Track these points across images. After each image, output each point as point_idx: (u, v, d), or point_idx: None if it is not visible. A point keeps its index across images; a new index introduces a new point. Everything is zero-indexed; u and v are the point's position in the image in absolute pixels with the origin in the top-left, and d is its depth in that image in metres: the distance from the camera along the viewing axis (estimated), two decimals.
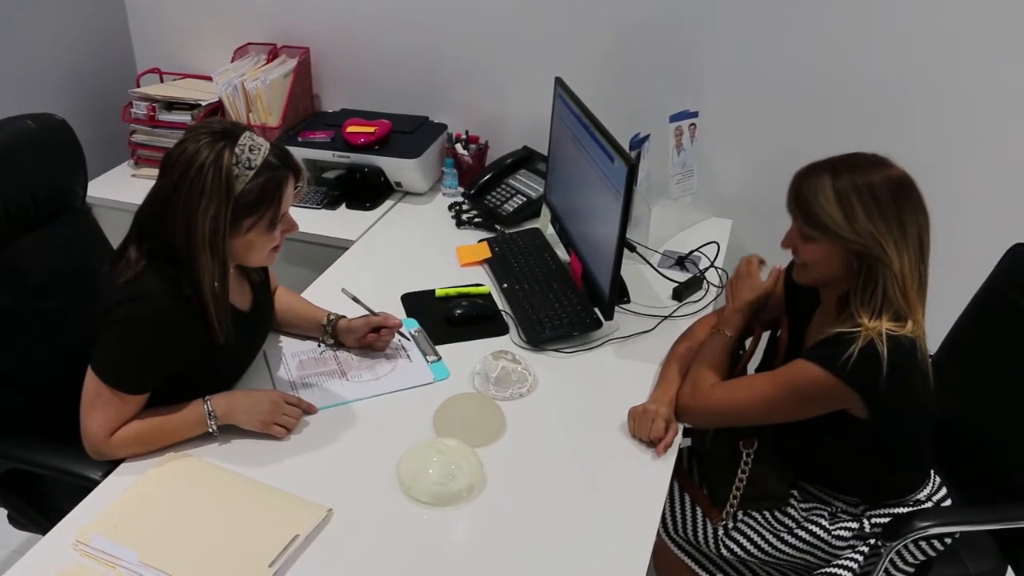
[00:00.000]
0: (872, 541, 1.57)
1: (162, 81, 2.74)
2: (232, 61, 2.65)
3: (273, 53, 2.63)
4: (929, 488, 1.62)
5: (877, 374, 1.36)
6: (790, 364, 1.46)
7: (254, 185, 1.39)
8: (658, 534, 1.37)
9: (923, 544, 1.61)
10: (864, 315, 1.39)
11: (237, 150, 1.38)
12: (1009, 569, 1.71)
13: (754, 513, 1.65)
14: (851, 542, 1.58)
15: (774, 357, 1.69)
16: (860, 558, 1.57)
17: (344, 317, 1.78)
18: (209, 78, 2.64)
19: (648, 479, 1.47)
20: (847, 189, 1.38)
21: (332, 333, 1.77)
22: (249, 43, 2.68)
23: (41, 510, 1.64)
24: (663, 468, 1.49)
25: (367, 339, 1.75)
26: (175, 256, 1.41)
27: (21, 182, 1.65)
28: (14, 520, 1.70)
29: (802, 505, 1.63)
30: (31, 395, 1.62)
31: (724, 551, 1.64)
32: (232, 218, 1.39)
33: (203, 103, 2.50)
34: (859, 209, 1.38)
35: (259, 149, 1.40)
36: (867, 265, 1.40)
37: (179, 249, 1.40)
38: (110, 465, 1.45)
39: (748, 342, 1.74)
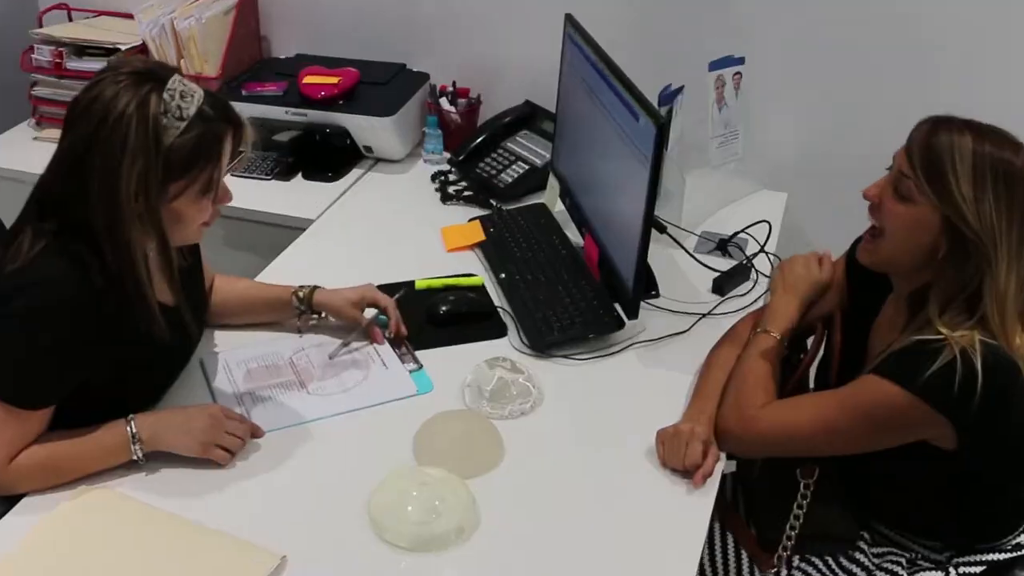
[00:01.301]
0: None
1: (71, 20, 2.74)
2: None
3: None
4: None
5: (971, 394, 1.36)
6: (859, 381, 1.46)
7: (186, 140, 1.38)
8: None
9: None
10: (948, 319, 1.39)
11: (166, 96, 1.37)
12: None
13: (814, 559, 1.65)
14: None
15: (827, 364, 1.69)
16: None
17: (319, 287, 1.81)
18: (130, 16, 2.63)
19: (682, 518, 1.47)
20: (988, 162, 1.38)
21: (309, 306, 1.80)
22: None
23: None
24: (701, 504, 1.50)
25: (372, 332, 1.81)
26: (88, 234, 1.40)
27: None
28: None
29: (873, 550, 1.64)
30: None
31: None
32: (162, 179, 1.38)
33: (122, 47, 2.50)
34: (990, 191, 1.37)
35: (191, 96, 1.40)
36: (966, 260, 1.39)
37: (96, 223, 1.38)
38: (3, 503, 1.45)
39: (809, 342, 1.75)
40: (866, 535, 1.65)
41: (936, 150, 1.41)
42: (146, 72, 1.39)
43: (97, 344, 1.43)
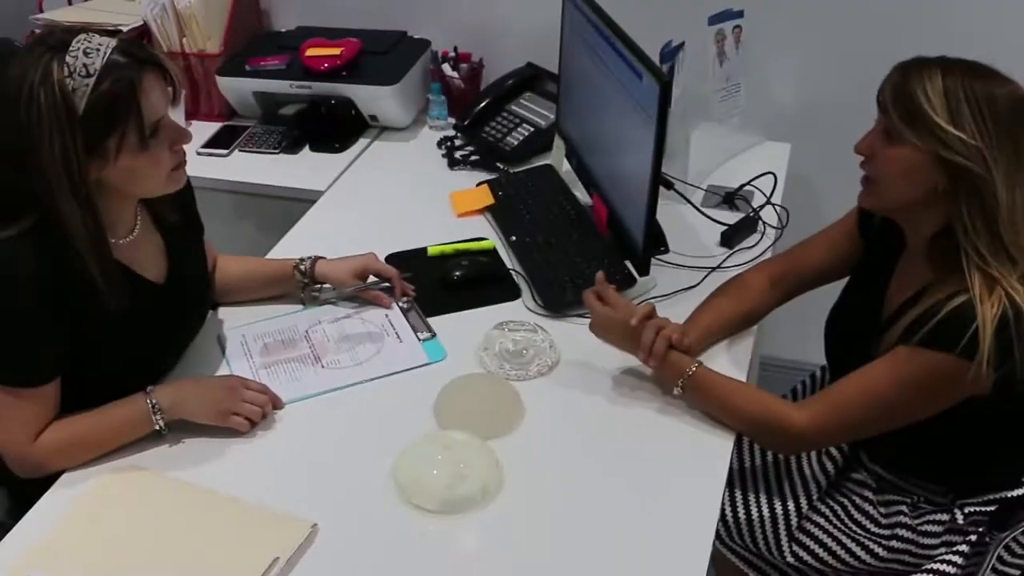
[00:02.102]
0: (972, 537, 1.58)
1: (71, 3, 2.72)
2: None
3: None
4: None
5: (1009, 344, 1.35)
6: (902, 355, 1.42)
7: (99, 95, 1.34)
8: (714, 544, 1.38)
9: None
10: (972, 257, 1.38)
11: (68, 58, 1.34)
12: None
13: (824, 510, 1.67)
14: (944, 538, 1.59)
15: (838, 316, 1.70)
16: (959, 559, 1.58)
17: (322, 257, 1.81)
18: None
19: (701, 470, 1.48)
20: (958, 90, 1.37)
21: (311, 278, 1.81)
22: None
23: None
24: (719, 455, 1.51)
25: (370, 295, 1.83)
26: (38, 210, 1.39)
27: None
28: None
29: (879, 498, 1.65)
30: None
31: (790, 557, 1.66)
32: (89, 144, 1.36)
33: (124, 28, 2.49)
34: (967, 114, 1.36)
35: (97, 51, 1.35)
36: (965, 189, 1.38)
37: (39, 199, 1.38)
38: (7, 496, 1.50)
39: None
40: (872, 483, 1.66)
41: (907, 89, 1.40)
42: (48, 43, 1.36)
43: (67, 317, 1.43)
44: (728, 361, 1.69)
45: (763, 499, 1.72)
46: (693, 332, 1.65)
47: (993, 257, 1.37)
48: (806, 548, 1.65)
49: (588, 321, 1.71)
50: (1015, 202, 1.37)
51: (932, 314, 1.38)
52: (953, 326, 1.36)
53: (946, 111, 1.37)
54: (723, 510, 1.71)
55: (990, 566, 1.59)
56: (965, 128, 1.37)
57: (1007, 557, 1.63)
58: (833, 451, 1.70)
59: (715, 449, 1.52)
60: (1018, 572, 1.65)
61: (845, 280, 1.76)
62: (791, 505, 1.69)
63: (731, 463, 1.60)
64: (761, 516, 1.70)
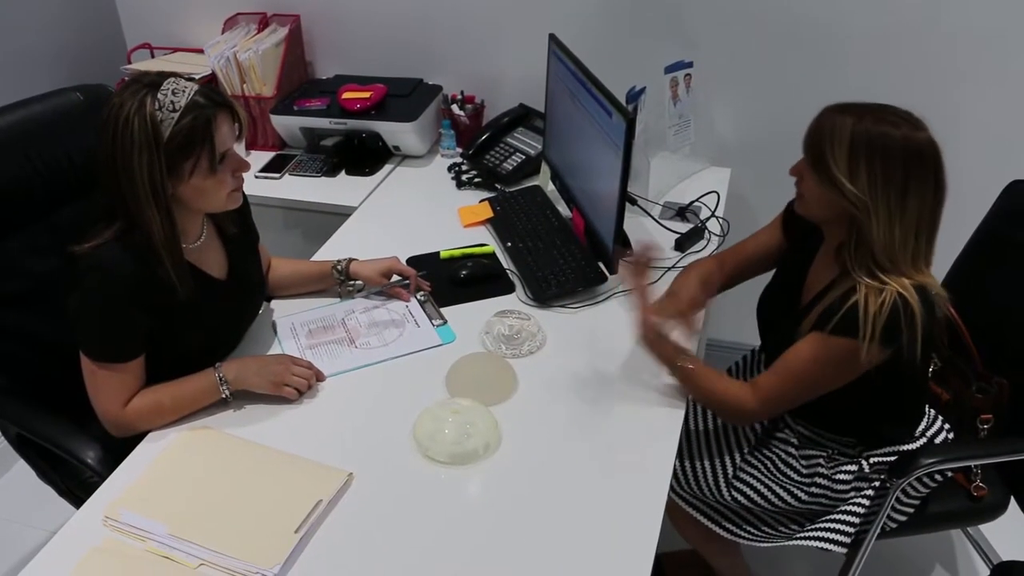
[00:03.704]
0: (876, 483, 1.59)
1: (153, 56, 2.71)
2: (222, 32, 2.62)
3: (263, 22, 2.59)
4: (925, 423, 1.63)
5: (898, 326, 1.35)
6: (816, 341, 1.42)
7: (181, 127, 1.36)
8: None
9: (925, 479, 1.63)
10: (858, 270, 1.38)
11: (160, 95, 1.35)
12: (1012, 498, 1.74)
13: (755, 462, 1.67)
14: (854, 484, 1.60)
15: (769, 295, 1.69)
16: (866, 501, 1.59)
17: (355, 259, 1.81)
18: (200, 51, 2.61)
19: (659, 427, 1.48)
20: (863, 141, 1.33)
21: (346, 275, 1.80)
22: (239, 13, 2.64)
23: (66, 475, 1.66)
24: (674, 415, 1.51)
25: (394, 291, 1.81)
26: (127, 218, 1.40)
27: (67, 152, 1.68)
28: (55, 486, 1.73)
29: (800, 452, 1.65)
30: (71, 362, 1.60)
31: (729, 499, 1.67)
32: (169, 165, 1.37)
33: (196, 77, 2.47)
34: (863, 169, 1.34)
35: (183, 92, 1.37)
36: (853, 224, 1.38)
37: (129, 208, 1.38)
38: (102, 449, 1.50)
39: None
40: (794, 440, 1.66)
41: (819, 134, 1.38)
42: (148, 83, 1.37)
43: (151, 299, 1.43)
44: (679, 340, 1.67)
45: (705, 455, 1.72)
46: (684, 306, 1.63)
47: (873, 272, 1.38)
48: (742, 493, 1.65)
49: (567, 311, 1.70)
50: (894, 239, 1.36)
51: (835, 309, 1.39)
52: (848, 318, 1.37)
53: (845, 165, 1.35)
54: (675, 465, 1.71)
55: (890, 506, 1.60)
56: (858, 183, 1.35)
57: (903, 499, 1.64)
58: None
59: (670, 416, 1.52)
60: (911, 510, 1.65)
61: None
62: (727, 459, 1.69)
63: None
64: (704, 468, 1.70)
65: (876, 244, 1.36)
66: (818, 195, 1.42)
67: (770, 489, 1.64)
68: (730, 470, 1.67)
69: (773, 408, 1.53)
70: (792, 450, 1.66)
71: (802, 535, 1.62)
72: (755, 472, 1.67)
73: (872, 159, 1.34)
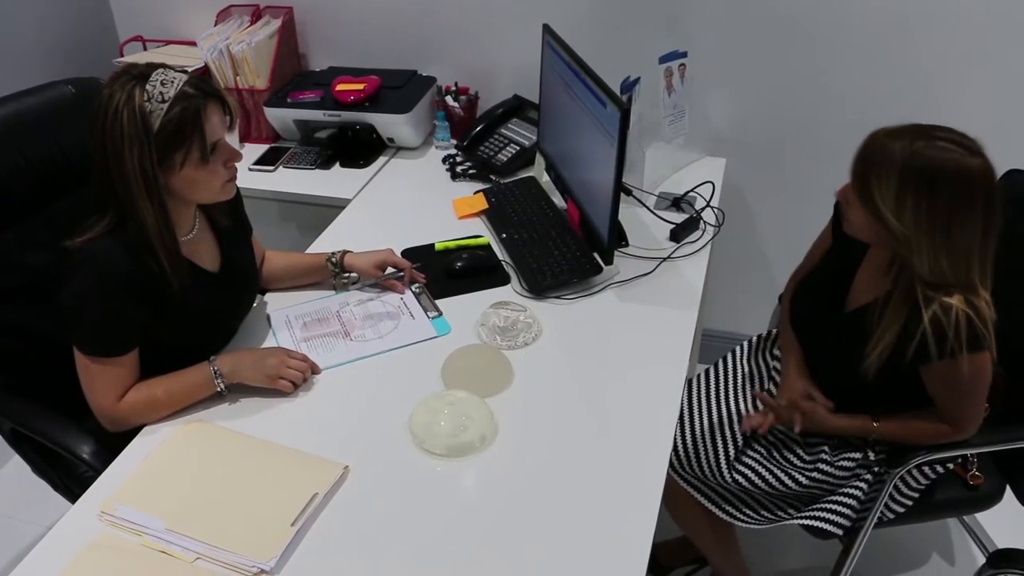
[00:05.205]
0: (876, 469, 1.59)
1: (145, 49, 2.69)
2: (215, 25, 2.61)
3: (256, 14, 2.58)
4: None
5: (985, 336, 1.37)
6: (946, 368, 1.41)
7: (171, 117, 1.35)
8: (668, 473, 1.38)
9: (926, 469, 1.63)
10: (923, 289, 1.38)
11: (148, 86, 1.35)
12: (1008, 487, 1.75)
13: (758, 446, 1.67)
14: (855, 471, 1.60)
15: (812, 286, 1.69)
16: (864, 486, 1.59)
17: (349, 251, 1.80)
18: (193, 43, 2.60)
19: (656, 417, 1.48)
20: (913, 175, 1.31)
21: (341, 268, 1.79)
22: (231, 5, 2.62)
23: (61, 470, 1.66)
24: (670, 405, 1.51)
25: (388, 283, 1.80)
26: (119, 210, 1.39)
27: (60, 145, 1.67)
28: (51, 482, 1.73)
29: (805, 439, 1.65)
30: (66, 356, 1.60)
31: (730, 481, 1.66)
32: (160, 156, 1.37)
33: (189, 69, 2.46)
34: (910, 204, 1.32)
35: (172, 82, 1.37)
36: (899, 251, 1.38)
37: (121, 200, 1.38)
38: (97, 444, 1.49)
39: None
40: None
41: (866, 160, 1.36)
42: (137, 75, 1.36)
43: (145, 293, 1.42)
44: (675, 330, 1.68)
45: (708, 435, 1.71)
46: (801, 383, 1.65)
47: (928, 294, 1.37)
48: (743, 475, 1.65)
49: (562, 302, 1.70)
50: (942, 268, 1.36)
51: (934, 332, 1.37)
52: (944, 335, 1.37)
53: (893, 201, 1.33)
54: (675, 444, 1.71)
55: (888, 495, 1.60)
56: (903, 219, 1.33)
57: (904, 489, 1.64)
58: (766, 397, 1.70)
59: (666, 406, 1.51)
60: (911, 502, 1.66)
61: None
62: (731, 441, 1.69)
63: (681, 407, 1.59)
64: (706, 448, 1.70)
65: (922, 273, 1.36)
66: (863, 222, 1.41)
67: (772, 473, 1.64)
68: (732, 452, 1.67)
69: (971, 425, 1.52)
70: (796, 435, 1.66)
71: (800, 516, 1.63)
72: (757, 456, 1.67)
73: (919, 194, 1.32)
